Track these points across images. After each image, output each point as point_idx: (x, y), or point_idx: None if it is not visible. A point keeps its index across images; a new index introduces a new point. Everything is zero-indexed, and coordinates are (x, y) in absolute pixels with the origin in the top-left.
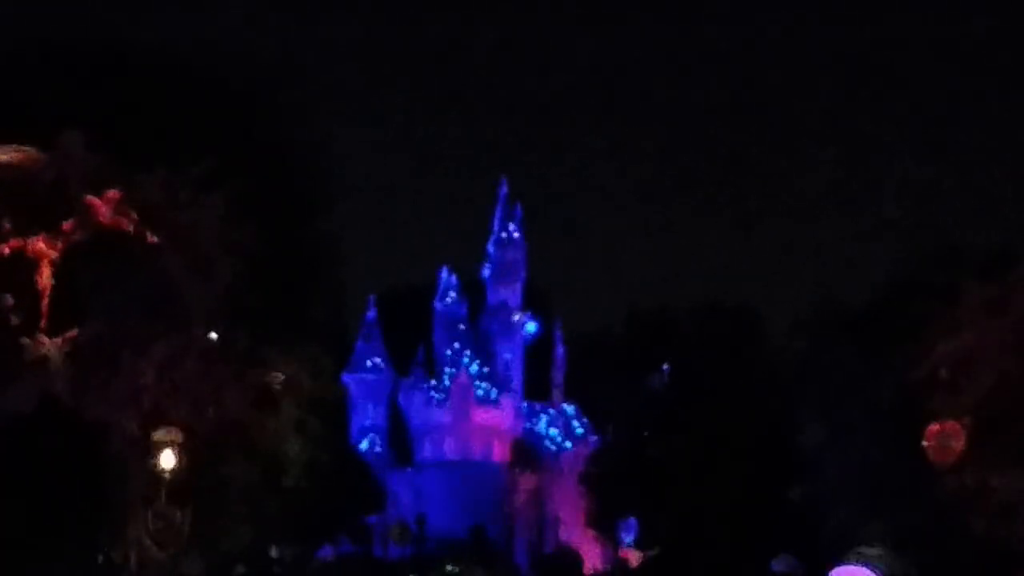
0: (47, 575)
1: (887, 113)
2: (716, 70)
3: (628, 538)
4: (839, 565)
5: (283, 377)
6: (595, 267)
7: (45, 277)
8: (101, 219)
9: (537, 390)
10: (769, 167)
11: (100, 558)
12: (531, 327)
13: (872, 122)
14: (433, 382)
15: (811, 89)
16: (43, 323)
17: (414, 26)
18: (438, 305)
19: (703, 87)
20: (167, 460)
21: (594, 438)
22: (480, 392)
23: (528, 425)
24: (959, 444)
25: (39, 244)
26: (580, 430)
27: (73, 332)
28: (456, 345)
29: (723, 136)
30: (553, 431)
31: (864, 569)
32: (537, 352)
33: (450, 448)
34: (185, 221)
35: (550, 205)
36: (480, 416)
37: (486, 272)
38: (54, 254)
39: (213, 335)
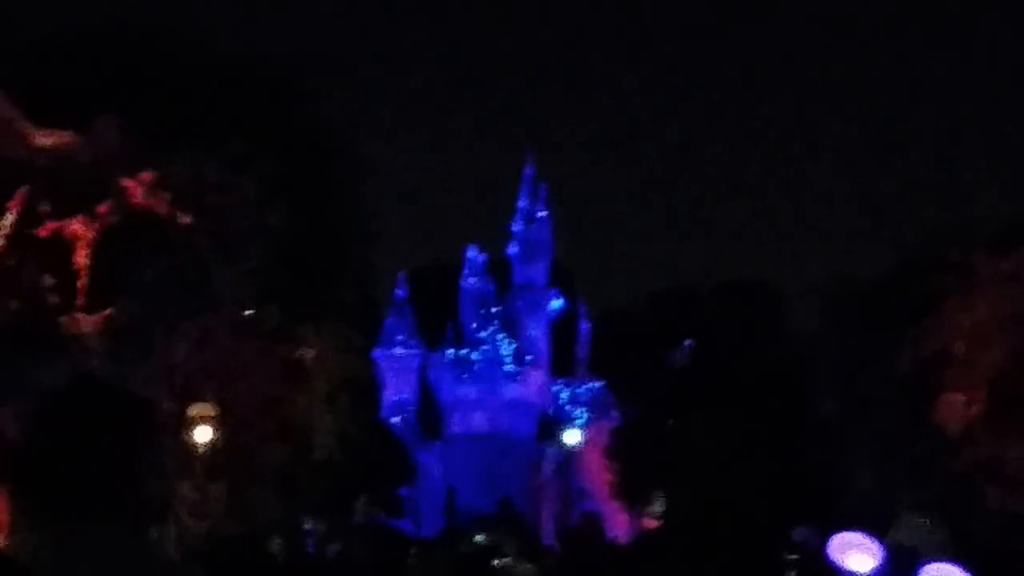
0: (90, 547)
1: (900, 90)
2: (736, 49)
3: (656, 510)
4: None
5: (313, 353)
6: (619, 245)
7: (82, 258)
8: (135, 201)
9: (562, 366)
10: (788, 145)
11: (151, 532)
12: (557, 304)
13: (885, 99)
14: (461, 358)
15: (826, 66)
16: (80, 302)
17: (440, 6)
18: (466, 283)
19: (724, 66)
20: (202, 435)
21: (618, 411)
22: (507, 368)
23: (554, 399)
24: (963, 415)
25: (76, 226)
26: (600, 412)
27: (108, 311)
28: (484, 322)
29: (743, 114)
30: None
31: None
32: (562, 329)
33: (478, 422)
34: (216, 202)
35: (575, 183)
36: (507, 391)
37: (512, 250)
38: (90, 235)
39: (246, 312)
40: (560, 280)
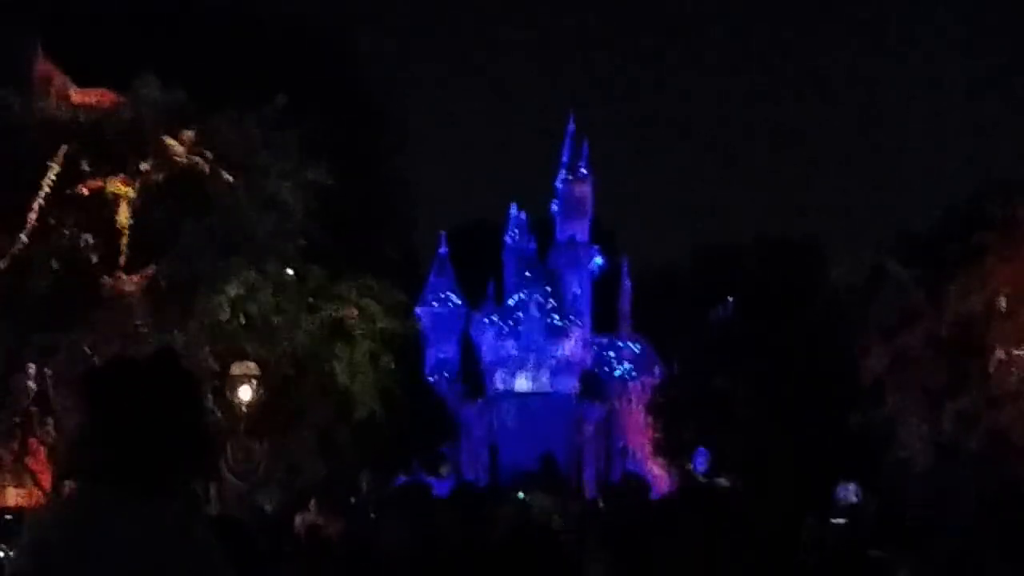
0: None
1: (948, 49)
2: (782, 4)
3: (701, 466)
4: None
5: (356, 312)
6: (662, 201)
7: (123, 216)
8: (177, 159)
9: (605, 323)
10: (831, 100)
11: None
12: (598, 261)
13: (933, 58)
14: (504, 316)
15: (872, 19)
16: (122, 261)
17: None
18: (508, 241)
19: (768, 20)
20: (244, 393)
21: (660, 369)
22: (550, 325)
23: (596, 356)
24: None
25: (117, 184)
26: (643, 370)
27: (150, 270)
28: (526, 279)
29: (788, 67)
30: (623, 365)
31: None
32: (605, 286)
33: (520, 380)
34: (258, 160)
35: (617, 139)
36: (549, 349)
37: (555, 208)
38: (132, 194)
39: (289, 271)
40: (602, 237)
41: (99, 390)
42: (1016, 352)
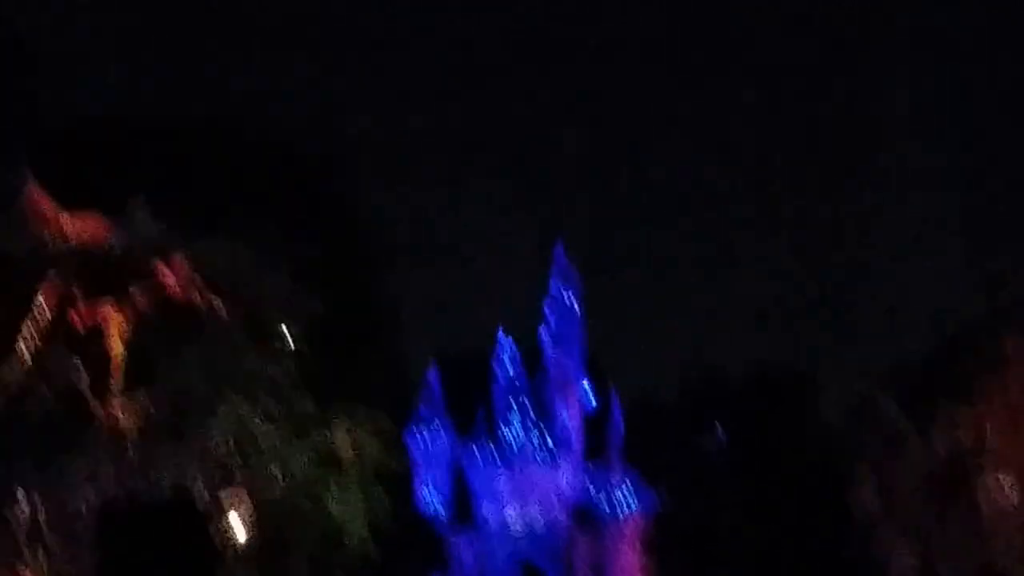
0: None
1: (922, 177)
2: (769, 136)
3: None
4: None
5: (347, 440)
6: (651, 330)
7: (114, 343)
8: (168, 287)
9: (596, 453)
10: (815, 229)
11: None
12: (588, 394)
13: (909, 184)
14: (494, 445)
15: (851, 149)
16: (113, 388)
17: (469, 88)
18: (497, 368)
19: (756, 147)
20: (234, 521)
21: (653, 503)
22: (540, 455)
23: (588, 489)
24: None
25: (108, 311)
26: (634, 501)
27: (143, 399)
28: (515, 408)
29: (772, 198)
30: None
31: None
32: (595, 415)
33: (511, 510)
34: (248, 288)
35: (604, 267)
36: (540, 479)
37: (543, 334)
38: (123, 320)
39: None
40: (591, 366)
41: (106, 529)
42: (1004, 485)
